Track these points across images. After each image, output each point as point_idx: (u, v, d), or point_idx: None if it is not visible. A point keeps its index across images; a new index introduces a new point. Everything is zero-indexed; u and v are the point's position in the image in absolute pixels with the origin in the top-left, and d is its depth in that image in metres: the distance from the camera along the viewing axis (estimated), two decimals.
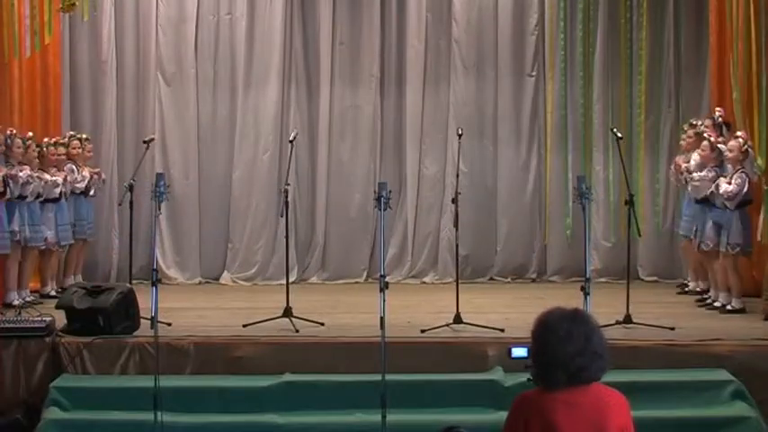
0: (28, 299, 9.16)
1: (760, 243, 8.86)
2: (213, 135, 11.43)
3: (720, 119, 9.34)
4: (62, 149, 9.87)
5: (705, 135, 9.10)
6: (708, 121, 9.40)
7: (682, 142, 9.87)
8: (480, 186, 11.35)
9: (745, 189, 8.61)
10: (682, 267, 10.70)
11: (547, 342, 3.49)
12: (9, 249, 8.92)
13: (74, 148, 10.11)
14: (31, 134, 9.47)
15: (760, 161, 8.61)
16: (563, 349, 3.45)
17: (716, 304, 8.94)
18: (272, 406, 6.98)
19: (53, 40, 10.47)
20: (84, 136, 10.40)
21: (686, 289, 10.00)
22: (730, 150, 8.71)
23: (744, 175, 8.61)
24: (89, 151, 10.36)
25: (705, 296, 9.39)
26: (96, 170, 10.39)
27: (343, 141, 11.45)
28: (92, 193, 10.24)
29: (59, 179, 9.61)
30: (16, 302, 8.85)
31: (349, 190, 11.41)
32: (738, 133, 8.81)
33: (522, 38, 11.36)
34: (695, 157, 9.25)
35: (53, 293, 9.66)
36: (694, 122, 9.72)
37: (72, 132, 10.43)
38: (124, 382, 7.33)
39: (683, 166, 9.39)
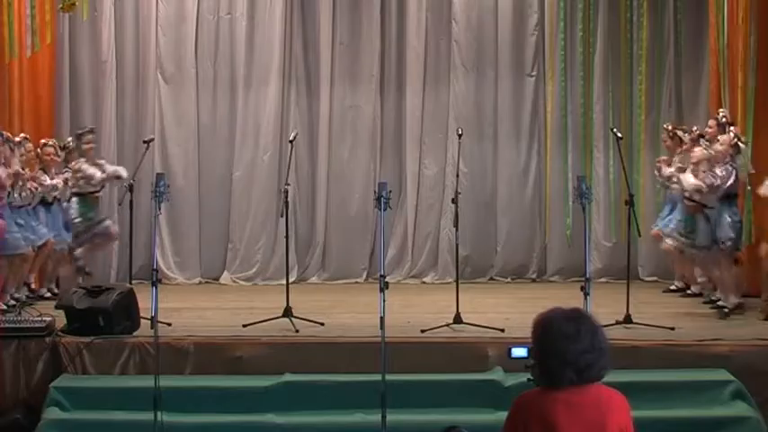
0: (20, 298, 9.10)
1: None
2: (213, 135, 11.43)
3: (725, 119, 9.31)
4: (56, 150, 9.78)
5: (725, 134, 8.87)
6: (711, 122, 9.36)
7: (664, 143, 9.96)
8: (480, 186, 11.35)
9: (730, 182, 8.54)
10: None
11: (555, 342, 3.48)
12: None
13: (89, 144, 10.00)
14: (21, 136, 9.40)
15: (746, 160, 8.66)
16: (571, 347, 3.46)
17: (719, 304, 8.92)
18: (271, 406, 6.98)
19: (53, 40, 10.47)
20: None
21: (671, 288, 10.07)
22: (721, 144, 8.66)
23: (730, 167, 8.56)
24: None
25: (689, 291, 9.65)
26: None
27: (343, 141, 11.45)
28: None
29: (59, 182, 9.55)
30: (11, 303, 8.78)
31: (349, 190, 11.41)
32: (730, 127, 8.80)
33: (522, 38, 11.36)
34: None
35: (47, 295, 9.63)
36: (667, 126, 9.98)
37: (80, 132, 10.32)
38: (124, 382, 7.33)
39: (665, 168, 9.53)
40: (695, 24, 11.12)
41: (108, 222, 9.95)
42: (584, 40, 11.23)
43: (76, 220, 9.61)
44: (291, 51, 11.37)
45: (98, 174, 9.55)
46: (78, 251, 9.66)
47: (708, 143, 9.00)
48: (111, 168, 9.75)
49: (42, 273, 9.82)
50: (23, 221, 8.95)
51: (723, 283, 8.83)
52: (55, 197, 9.55)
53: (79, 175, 9.52)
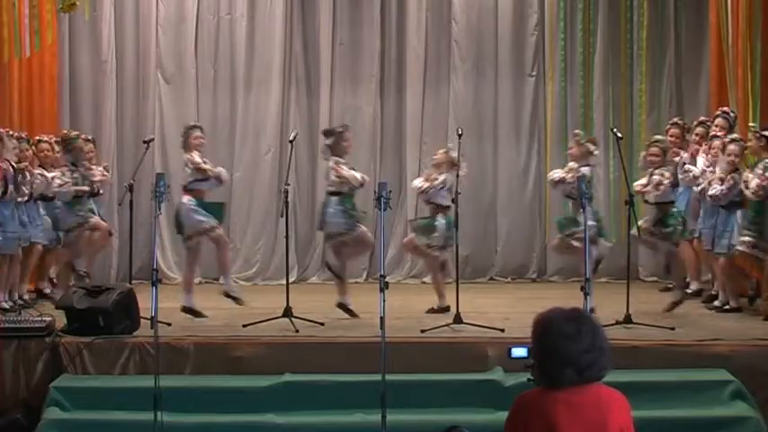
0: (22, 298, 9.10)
1: None
2: (213, 135, 11.39)
3: (733, 115, 9.22)
4: (56, 147, 9.74)
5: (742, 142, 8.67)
6: (720, 120, 9.19)
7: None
8: (480, 186, 11.35)
9: (736, 191, 8.54)
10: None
11: (555, 342, 3.49)
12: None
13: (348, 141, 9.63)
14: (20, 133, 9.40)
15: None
16: (571, 347, 3.46)
17: (715, 303, 8.93)
18: (271, 406, 6.97)
19: (53, 40, 10.47)
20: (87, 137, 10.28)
21: (669, 287, 10.04)
22: (731, 154, 8.52)
23: (738, 176, 8.52)
24: (91, 150, 10.21)
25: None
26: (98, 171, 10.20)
27: None
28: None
29: (57, 178, 9.52)
30: (5, 305, 8.71)
31: None
32: (736, 135, 8.75)
33: (522, 38, 11.38)
34: (702, 162, 9.14)
35: (48, 292, 9.63)
36: (684, 123, 9.75)
37: (75, 132, 10.26)
38: (124, 382, 7.33)
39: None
40: (695, 24, 11.13)
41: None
42: (584, 40, 11.24)
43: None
44: (291, 51, 11.38)
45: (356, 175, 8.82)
46: None
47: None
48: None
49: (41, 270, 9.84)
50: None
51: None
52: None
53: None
